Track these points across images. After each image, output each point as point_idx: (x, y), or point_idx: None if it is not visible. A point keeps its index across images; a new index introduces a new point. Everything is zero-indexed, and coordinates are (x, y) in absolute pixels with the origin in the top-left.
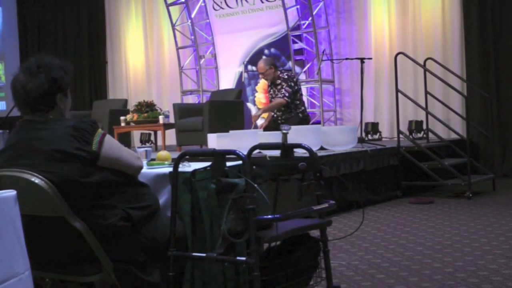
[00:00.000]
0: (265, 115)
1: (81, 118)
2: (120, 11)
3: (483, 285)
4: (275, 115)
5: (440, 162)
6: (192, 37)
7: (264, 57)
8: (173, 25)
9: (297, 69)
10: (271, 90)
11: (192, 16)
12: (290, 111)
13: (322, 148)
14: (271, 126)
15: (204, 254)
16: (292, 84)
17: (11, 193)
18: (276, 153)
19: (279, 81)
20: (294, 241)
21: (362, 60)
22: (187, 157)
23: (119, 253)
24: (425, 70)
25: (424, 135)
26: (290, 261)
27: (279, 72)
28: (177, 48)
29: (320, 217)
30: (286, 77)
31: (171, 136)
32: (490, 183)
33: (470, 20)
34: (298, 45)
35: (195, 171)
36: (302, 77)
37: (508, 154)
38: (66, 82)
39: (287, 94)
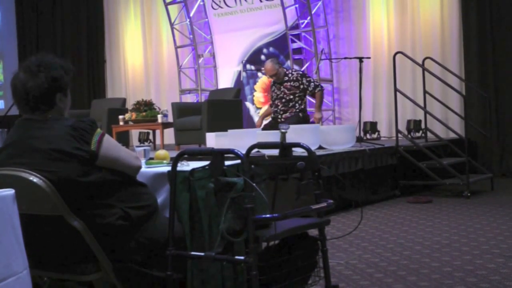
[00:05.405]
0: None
1: (81, 118)
2: (119, 10)
3: (481, 284)
4: (274, 114)
5: (439, 161)
6: (191, 36)
7: (263, 57)
8: (171, 24)
9: (296, 68)
10: (275, 88)
11: (191, 15)
12: (289, 111)
13: (320, 147)
14: (271, 125)
15: (202, 253)
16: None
17: (10, 192)
18: (275, 152)
19: (286, 78)
20: (292, 240)
21: (360, 59)
22: (186, 156)
23: (118, 253)
24: (424, 69)
25: (423, 135)
26: (289, 260)
27: (285, 70)
28: (176, 47)
29: (319, 216)
30: (301, 72)
31: (169, 135)
32: (489, 183)
33: (469, 19)
34: (297, 44)
35: (193, 170)
36: None
37: (507, 154)
38: (66, 82)
39: (317, 83)
